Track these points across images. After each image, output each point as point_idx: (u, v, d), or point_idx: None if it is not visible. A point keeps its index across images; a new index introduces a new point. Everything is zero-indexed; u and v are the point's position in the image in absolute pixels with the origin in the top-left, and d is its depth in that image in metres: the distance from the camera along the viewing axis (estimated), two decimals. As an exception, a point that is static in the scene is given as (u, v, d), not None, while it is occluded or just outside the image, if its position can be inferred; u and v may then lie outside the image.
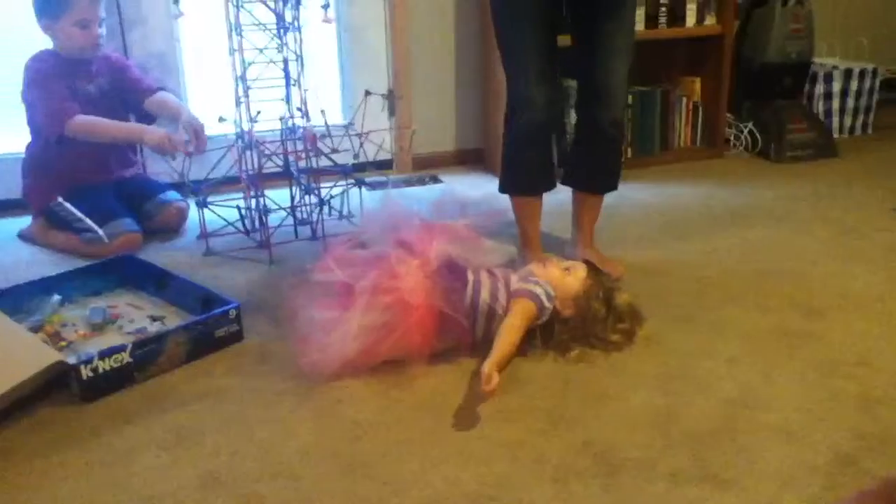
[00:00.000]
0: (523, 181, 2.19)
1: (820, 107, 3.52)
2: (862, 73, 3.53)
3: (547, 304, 1.72)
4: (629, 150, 3.27)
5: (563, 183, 2.29)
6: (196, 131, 2.43)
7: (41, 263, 2.35)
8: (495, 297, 1.73)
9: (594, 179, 2.25)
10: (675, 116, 3.36)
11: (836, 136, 3.51)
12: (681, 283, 2.13)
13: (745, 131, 3.41)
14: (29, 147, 2.55)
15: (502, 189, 2.23)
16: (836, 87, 3.52)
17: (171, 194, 2.63)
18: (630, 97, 3.20)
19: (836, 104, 3.55)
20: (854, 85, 3.54)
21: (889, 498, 0.81)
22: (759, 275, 2.17)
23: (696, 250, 2.36)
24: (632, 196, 2.84)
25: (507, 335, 1.64)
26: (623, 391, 1.60)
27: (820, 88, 3.50)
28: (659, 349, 1.77)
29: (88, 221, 2.40)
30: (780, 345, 1.78)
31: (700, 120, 3.40)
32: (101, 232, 2.38)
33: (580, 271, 1.81)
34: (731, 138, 3.44)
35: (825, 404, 1.54)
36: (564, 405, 1.55)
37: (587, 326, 1.75)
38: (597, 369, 1.69)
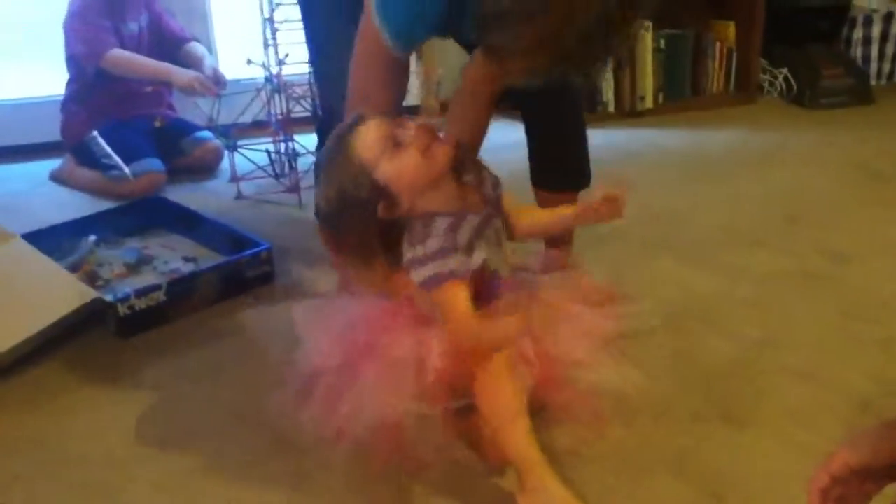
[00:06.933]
0: None
1: (858, 52, 3.44)
2: (903, 17, 3.43)
3: None
4: (660, 94, 3.23)
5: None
6: (217, 77, 2.52)
7: (74, 205, 2.40)
8: None
9: (566, 172, 1.71)
10: (707, 61, 3.30)
11: (873, 82, 3.43)
12: (703, 227, 2.13)
13: (780, 77, 3.35)
14: (68, 83, 2.59)
15: None
16: (876, 31, 3.42)
17: (207, 133, 2.67)
18: (661, 41, 3.15)
19: (874, 50, 3.46)
20: (894, 29, 3.45)
21: None
22: (784, 219, 2.16)
23: (722, 195, 2.35)
24: (660, 142, 2.82)
25: None
26: (637, 333, 1.59)
27: (858, 33, 3.41)
28: (674, 290, 1.76)
29: (116, 158, 2.46)
30: (802, 288, 1.78)
31: (734, 65, 3.34)
32: (126, 169, 2.43)
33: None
34: (766, 84, 3.39)
35: (846, 347, 1.54)
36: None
37: None
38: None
